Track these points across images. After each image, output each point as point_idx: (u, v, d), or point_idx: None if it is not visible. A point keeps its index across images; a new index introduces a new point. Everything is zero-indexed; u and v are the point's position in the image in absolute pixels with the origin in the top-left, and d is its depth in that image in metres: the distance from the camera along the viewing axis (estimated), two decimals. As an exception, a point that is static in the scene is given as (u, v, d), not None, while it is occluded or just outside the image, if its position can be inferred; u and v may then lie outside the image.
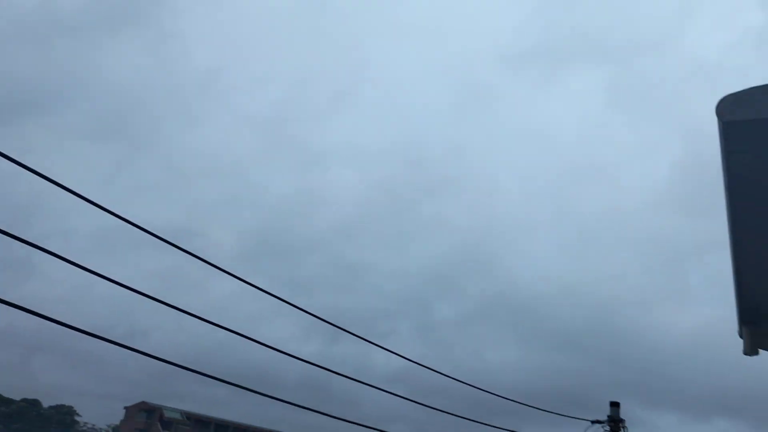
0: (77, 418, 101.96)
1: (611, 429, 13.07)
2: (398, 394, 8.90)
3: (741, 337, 3.22)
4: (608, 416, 13.20)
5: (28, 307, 3.99)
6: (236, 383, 6.16)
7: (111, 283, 4.44)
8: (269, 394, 6.47)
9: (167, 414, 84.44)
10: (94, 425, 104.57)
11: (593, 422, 13.21)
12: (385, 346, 8.55)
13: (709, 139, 2.29)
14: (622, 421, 13.28)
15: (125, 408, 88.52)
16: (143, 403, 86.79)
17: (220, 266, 5.23)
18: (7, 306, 3.87)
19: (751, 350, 3.16)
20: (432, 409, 9.78)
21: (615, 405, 13.36)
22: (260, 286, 5.82)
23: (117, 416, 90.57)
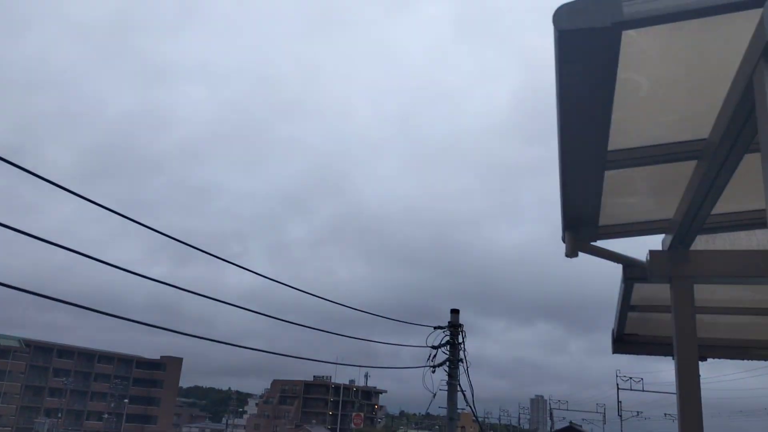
0: None
1: (451, 333, 14.08)
2: (251, 309, 8.87)
3: (564, 241, 3.50)
4: (449, 322, 14.17)
5: None
6: (78, 304, 5.78)
7: None
8: (116, 314, 6.15)
9: (3, 342, 78.68)
10: None
11: (435, 328, 14.13)
12: (235, 263, 8.40)
13: (547, 71, 2.37)
14: (461, 326, 14.33)
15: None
16: (-28, 331, 79.95)
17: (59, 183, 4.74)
18: None
19: (572, 253, 3.45)
20: (286, 324, 9.88)
21: (455, 312, 14.34)
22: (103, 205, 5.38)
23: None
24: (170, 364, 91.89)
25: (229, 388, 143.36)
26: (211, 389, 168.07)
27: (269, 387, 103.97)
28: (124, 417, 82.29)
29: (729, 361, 5.45)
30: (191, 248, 7.21)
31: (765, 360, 5.00)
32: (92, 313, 5.93)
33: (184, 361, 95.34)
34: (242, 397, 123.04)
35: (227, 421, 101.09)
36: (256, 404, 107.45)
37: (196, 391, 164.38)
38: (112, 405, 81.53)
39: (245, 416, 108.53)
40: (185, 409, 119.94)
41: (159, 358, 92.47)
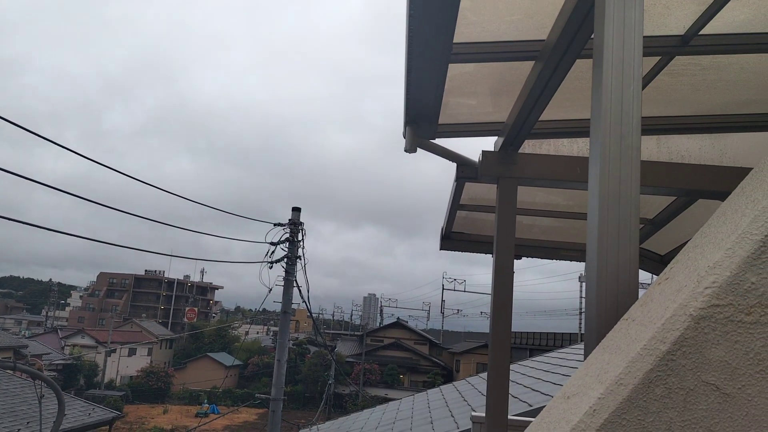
0: None
1: (291, 231, 14.14)
2: (72, 192, 8.11)
3: (404, 137, 3.50)
4: (289, 220, 14.18)
5: None
6: None
7: None
8: None
9: None
10: None
11: (275, 225, 14.09)
12: (54, 141, 7.57)
13: None
14: (301, 224, 14.42)
15: None
16: None
17: None
18: None
19: (411, 148, 3.47)
20: (110, 214, 9.22)
21: (296, 210, 14.35)
22: None
23: None
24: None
25: (50, 280, 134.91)
26: (30, 280, 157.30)
27: (95, 280, 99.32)
28: (-76, 307, 74.86)
29: (537, 266, 5.96)
30: (-2, 119, 6.35)
31: (572, 260, 5.53)
32: None
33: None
34: (64, 290, 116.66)
35: (47, 313, 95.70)
36: (81, 297, 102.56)
37: (12, 282, 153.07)
38: None
39: (68, 309, 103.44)
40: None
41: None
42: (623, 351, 1.25)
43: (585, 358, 1.53)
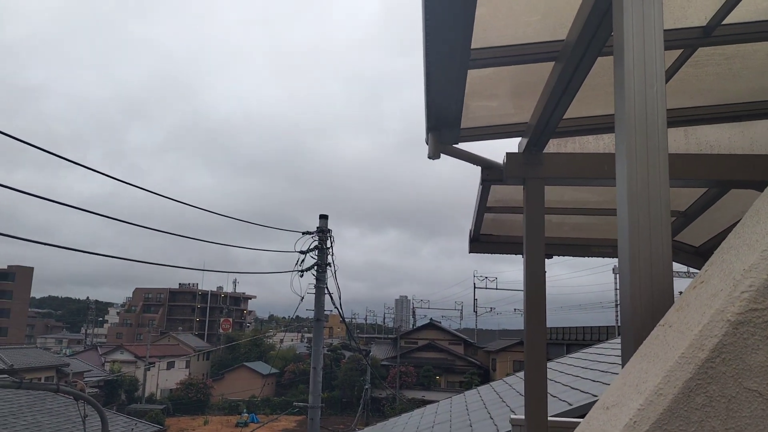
0: None
1: (320, 238, 14.21)
2: (101, 213, 8.28)
3: (427, 143, 3.50)
4: (317, 227, 14.25)
5: None
6: None
7: None
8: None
9: None
10: None
11: (304, 233, 14.18)
12: (81, 163, 7.74)
13: None
14: (329, 231, 14.48)
15: None
16: None
17: None
18: None
19: (434, 154, 3.47)
20: (138, 231, 9.39)
21: (323, 217, 14.42)
22: None
23: None
24: (20, 274, 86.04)
25: (87, 298, 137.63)
26: (68, 299, 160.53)
27: (131, 296, 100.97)
28: (-31, 330, 76.90)
29: (568, 259, 5.91)
30: (26, 148, 6.51)
31: (604, 257, 5.46)
32: None
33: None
34: (102, 307, 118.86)
35: (86, 330, 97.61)
36: (118, 313, 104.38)
37: (51, 302, 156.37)
38: (-46, 318, 75.75)
39: (106, 326, 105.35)
40: (39, 320, 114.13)
41: (6, 267, 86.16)
42: (661, 359, 1.23)
43: (622, 366, 1.52)
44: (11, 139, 6.14)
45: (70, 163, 7.56)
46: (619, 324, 1.84)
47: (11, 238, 6.88)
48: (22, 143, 6.42)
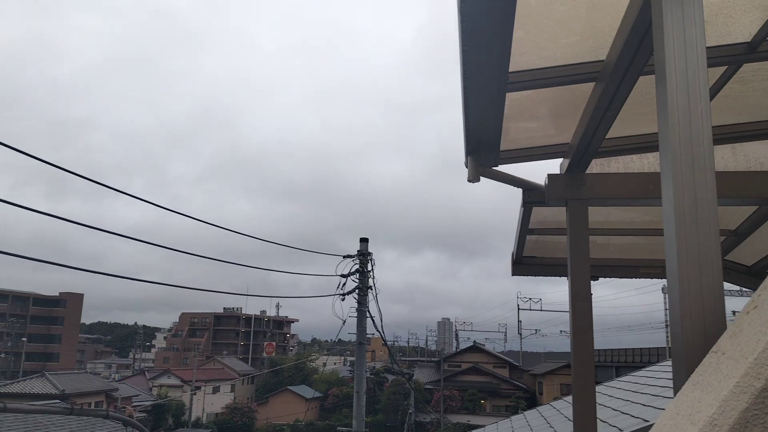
0: None
1: (360, 262, 14.24)
2: (148, 240, 8.48)
3: (466, 166, 3.50)
4: (358, 251, 14.30)
5: None
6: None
7: None
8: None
9: None
10: None
11: (344, 257, 14.24)
12: (127, 192, 7.96)
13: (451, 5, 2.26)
14: (369, 254, 14.51)
15: None
16: None
17: None
18: None
19: (474, 177, 3.46)
20: (180, 257, 9.57)
21: (364, 240, 14.46)
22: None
23: None
24: (70, 300, 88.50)
25: (135, 323, 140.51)
26: (117, 324, 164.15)
27: (177, 320, 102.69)
28: (23, 355, 79.13)
29: (616, 281, 5.78)
30: (76, 179, 6.75)
31: (652, 277, 5.32)
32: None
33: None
34: (149, 332, 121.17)
35: (134, 355, 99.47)
36: (165, 338, 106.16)
37: (100, 327, 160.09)
38: (9, 344, 78.08)
39: (153, 350, 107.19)
40: (89, 345, 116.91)
41: (57, 294, 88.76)
42: (715, 388, 1.19)
43: (674, 394, 1.47)
44: (59, 170, 6.37)
45: (115, 192, 7.79)
46: (670, 346, 1.79)
47: (61, 266, 7.11)
48: (72, 174, 6.65)
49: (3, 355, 77.29)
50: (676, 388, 1.53)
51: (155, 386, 60.46)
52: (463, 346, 70.90)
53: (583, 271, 3.49)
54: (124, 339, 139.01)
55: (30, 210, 6.03)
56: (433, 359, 74.45)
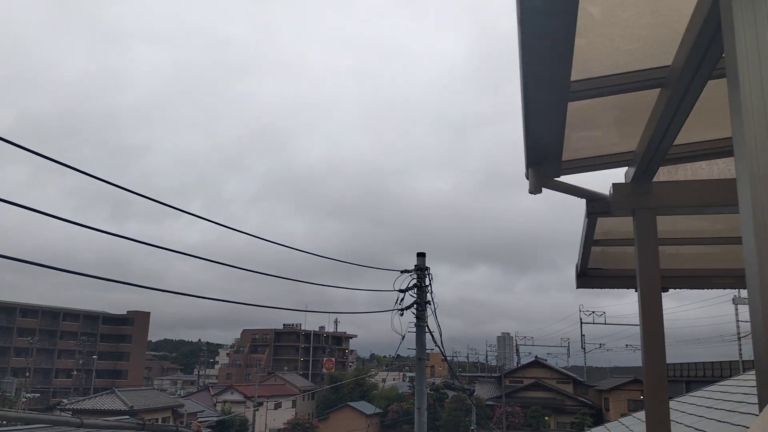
0: None
1: (418, 277, 14.21)
2: (209, 258, 8.69)
3: (527, 178, 3.46)
4: (415, 265, 14.27)
5: None
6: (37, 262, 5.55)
7: None
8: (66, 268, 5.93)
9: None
10: None
11: (402, 272, 14.23)
12: (187, 210, 8.20)
13: (499, 18, 2.26)
14: (427, 269, 14.46)
15: None
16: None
17: None
18: None
19: (535, 189, 3.42)
20: (240, 275, 9.76)
21: (421, 255, 14.42)
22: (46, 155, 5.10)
23: None
24: (137, 319, 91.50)
25: (199, 340, 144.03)
26: (182, 341, 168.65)
27: (239, 337, 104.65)
28: (94, 373, 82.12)
29: (680, 292, 5.58)
30: (142, 201, 7.00)
31: (726, 288, 5.11)
32: (34, 271, 5.72)
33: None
34: (213, 348, 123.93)
35: (199, 371, 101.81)
36: (227, 354, 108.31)
37: (166, 344, 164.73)
38: (81, 362, 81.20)
39: (217, 366, 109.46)
40: (156, 362, 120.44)
41: (125, 313, 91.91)
42: (810, 403, 1.14)
43: (760, 409, 1.41)
44: (124, 190, 6.62)
45: (174, 213, 8.04)
46: (743, 359, 1.72)
47: (129, 285, 7.36)
48: (136, 195, 6.91)
49: (75, 373, 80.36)
50: (762, 403, 1.47)
51: (219, 402, 61.67)
52: (524, 361, 69.63)
53: (653, 283, 3.39)
54: (188, 356, 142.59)
55: (104, 232, 6.28)
56: (493, 374, 73.36)
